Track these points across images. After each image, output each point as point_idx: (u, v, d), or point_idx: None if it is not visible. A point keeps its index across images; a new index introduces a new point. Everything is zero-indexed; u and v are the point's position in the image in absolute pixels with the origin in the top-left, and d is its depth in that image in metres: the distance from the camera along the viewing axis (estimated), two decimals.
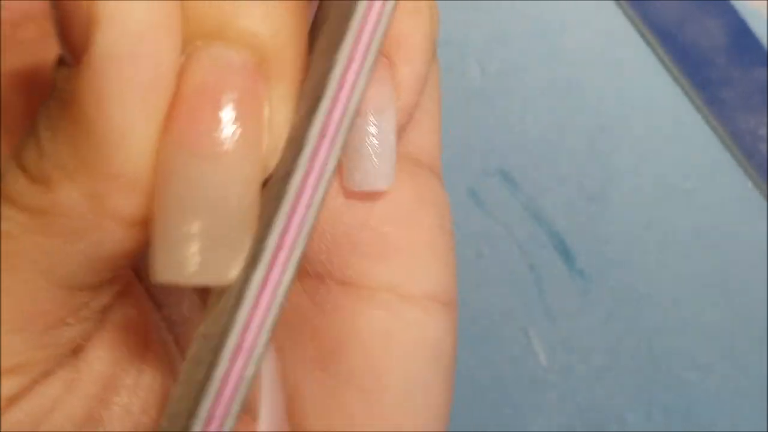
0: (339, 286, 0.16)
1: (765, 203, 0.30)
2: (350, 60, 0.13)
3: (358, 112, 0.14)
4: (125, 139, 0.12)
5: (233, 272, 0.12)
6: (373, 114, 0.15)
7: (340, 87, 0.13)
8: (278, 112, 0.13)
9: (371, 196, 0.16)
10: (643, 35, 0.31)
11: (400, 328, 0.16)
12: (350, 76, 0.13)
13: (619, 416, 0.29)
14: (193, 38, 0.12)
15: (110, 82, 0.12)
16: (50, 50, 0.14)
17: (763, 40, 0.31)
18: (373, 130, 0.15)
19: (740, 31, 0.31)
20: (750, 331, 0.30)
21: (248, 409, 0.14)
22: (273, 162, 0.13)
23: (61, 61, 0.13)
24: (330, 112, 0.13)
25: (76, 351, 0.15)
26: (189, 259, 0.12)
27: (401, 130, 0.16)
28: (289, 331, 0.16)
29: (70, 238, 0.12)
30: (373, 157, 0.15)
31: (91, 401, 0.15)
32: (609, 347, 0.30)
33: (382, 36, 0.13)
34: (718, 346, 0.30)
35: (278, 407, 0.15)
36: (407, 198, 0.16)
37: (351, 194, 0.15)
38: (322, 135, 0.13)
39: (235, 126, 0.12)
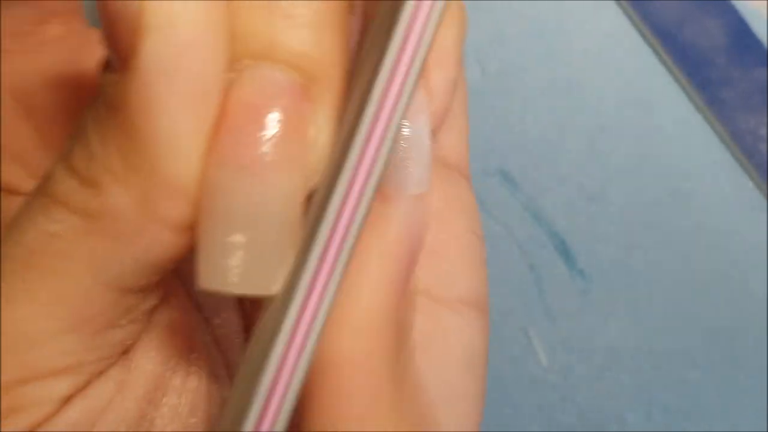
0: None
1: (765, 203, 0.30)
2: (393, 72, 0.13)
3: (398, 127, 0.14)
4: (172, 147, 0.12)
5: (275, 285, 0.13)
6: (408, 120, 0.15)
7: (382, 102, 0.13)
8: (322, 132, 0.13)
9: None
10: (643, 35, 0.31)
11: (436, 332, 0.16)
12: (394, 89, 0.13)
13: (619, 416, 0.29)
14: (241, 56, 0.12)
15: (157, 90, 0.12)
16: (77, 47, 0.14)
17: (764, 40, 0.31)
18: (407, 134, 0.15)
19: (740, 31, 0.31)
20: (750, 330, 0.30)
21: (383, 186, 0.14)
22: (316, 179, 0.13)
23: (107, 66, 0.13)
24: (371, 129, 0.13)
25: (126, 352, 0.15)
26: (232, 269, 0.12)
27: (434, 133, 0.16)
28: None
29: (119, 241, 0.13)
30: (408, 162, 0.15)
31: (141, 402, 0.15)
32: (609, 347, 0.30)
33: (429, 42, 0.13)
34: (718, 346, 0.30)
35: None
36: (440, 202, 0.16)
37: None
38: (362, 152, 0.13)
39: (279, 144, 0.12)
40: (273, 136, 0.12)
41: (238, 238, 0.12)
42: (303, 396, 0.13)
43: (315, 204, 0.13)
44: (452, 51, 0.16)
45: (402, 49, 0.12)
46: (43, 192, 0.13)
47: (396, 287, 0.14)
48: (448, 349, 0.16)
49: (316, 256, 0.13)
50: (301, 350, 0.13)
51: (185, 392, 0.16)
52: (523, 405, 0.29)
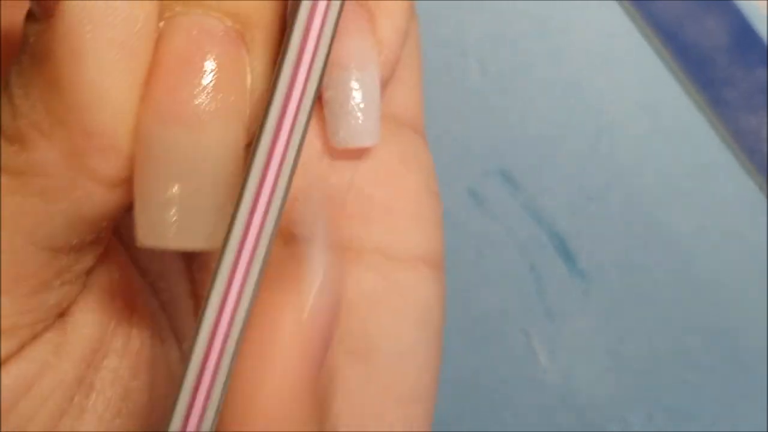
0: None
1: (766, 203, 0.30)
2: (312, 9, 0.12)
3: (336, 66, 0.14)
4: (101, 98, 0.12)
5: (214, 237, 0.12)
6: (356, 69, 0.15)
7: (304, 39, 0.12)
8: (259, 79, 0.13)
9: (357, 153, 0.15)
10: (644, 34, 0.31)
11: (389, 289, 0.16)
12: (315, 24, 0.12)
13: (620, 417, 0.29)
14: (172, 3, 0.12)
15: (83, 38, 0.11)
16: (21, 10, 0.14)
17: (766, 40, 0.31)
18: (356, 85, 0.15)
19: (742, 30, 0.31)
20: (751, 331, 0.30)
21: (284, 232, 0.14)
22: (253, 129, 0.13)
23: (31, 15, 0.12)
24: (296, 66, 0.12)
25: (62, 314, 0.15)
26: (170, 224, 0.12)
27: (384, 86, 0.16)
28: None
29: (49, 198, 0.12)
30: (358, 113, 0.15)
31: (80, 365, 0.15)
32: (609, 348, 0.30)
33: None
34: (719, 346, 0.30)
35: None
36: (392, 159, 0.16)
37: (336, 153, 0.15)
38: (288, 92, 0.12)
39: (214, 94, 0.12)
40: (208, 85, 0.12)
41: (174, 191, 0.12)
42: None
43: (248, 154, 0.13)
44: (402, 0, 0.15)
45: None
46: None
47: (310, 363, 0.13)
48: (403, 307, 0.16)
49: (246, 210, 0.12)
50: (229, 327, 0.12)
51: (126, 355, 0.15)
52: (522, 406, 0.29)
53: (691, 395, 0.30)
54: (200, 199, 0.12)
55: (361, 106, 0.15)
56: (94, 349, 0.15)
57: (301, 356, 0.13)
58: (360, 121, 0.15)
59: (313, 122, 0.15)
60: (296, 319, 0.13)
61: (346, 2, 0.13)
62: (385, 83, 0.16)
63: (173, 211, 0.12)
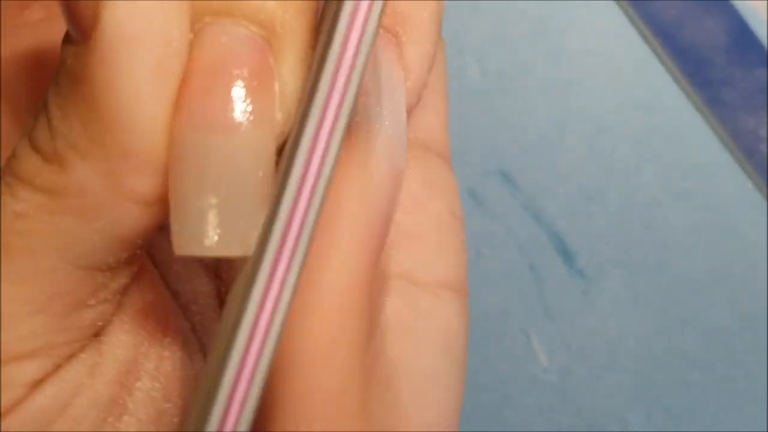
0: None
1: (765, 203, 0.30)
2: (350, 27, 0.12)
3: (364, 92, 0.14)
4: (137, 117, 0.12)
5: (249, 243, 0.12)
6: (383, 95, 0.15)
7: (342, 53, 0.12)
8: (288, 85, 0.13)
9: None
10: (643, 35, 0.31)
11: (414, 315, 0.16)
12: (352, 42, 0.13)
13: (620, 416, 0.29)
14: (201, 15, 0.12)
15: (120, 60, 0.12)
16: (59, 31, 0.14)
17: (764, 41, 0.31)
18: (383, 111, 0.15)
19: (741, 31, 0.31)
20: (750, 330, 0.30)
21: (354, 128, 0.14)
22: (284, 135, 0.13)
23: (68, 38, 0.13)
24: (333, 80, 0.12)
25: (97, 334, 0.15)
26: (207, 231, 0.12)
27: (410, 111, 0.16)
28: None
29: (86, 218, 0.12)
30: (385, 139, 0.15)
31: (114, 386, 0.15)
32: (609, 347, 0.30)
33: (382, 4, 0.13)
34: (719, 346, 0.30)
35: (400, 111, 0.15)
36: (416, 184, 0.16)
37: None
38: (326, 104, 0.13)
39: (246, 101, 0.12)
40: (238, 93, 0.12)
41: (210, 199, 0.12)
42: (267, 392, 0.13)
43: (283, 159, 0.13)
44: (428, 26, 0.15)
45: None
46: (8, 172, 0.13)
47: (368, 256, 0.13)
48: (427, 334, 0.16)
49: (284, 217, 0.12)
50: (268, 329, 0.12)
51: (159, 376, 0.15)
52: (522, 405, 0.29)
53: (690, 395, 0.29)
54: (234, 206, 0.12)
55: (389, 131, 0.15)
56: (127, 370, 0.15)
57: (359, 252, 0.13)
58: (387, 147, 0.15)
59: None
60: (362, 189, 0.13)
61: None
62: (411, 109, 0.16)
63: (208, 218, 0.12)
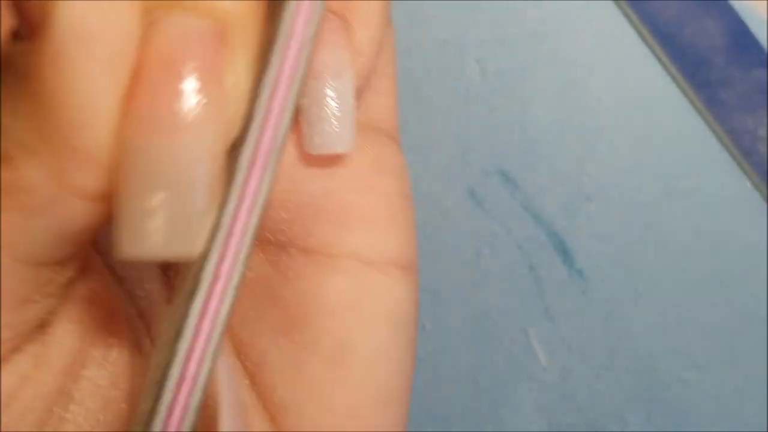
0: (302, 254, 0.16)
1: (763, 203, 0.30)
2: (294, 19, 0.13)
3: (312, 75, 0.14)
4: (87, 114, 0.12)
5: (198, 245, 0.12)
6: (331, 77, 0.15)
7: (289, 37, 0.13)
8: (241, 80, 0.13)
9: (332, 160, 0.16)
10: (642, 35, 0.31)
11: (364, 294, 0.16)
12: (297, 33, 0.13)
13: (619, 416, 0.29)
14: (154, 8, 0.12)
15: (71, 57, 0.11)
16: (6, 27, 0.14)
17: (762, 41, 0.31)
18: (331, 93, 0.15)
19: (739, 31, 0.31)
20: (749, 330, 0.30)
21: (206, 415, 0.14)
22: (235, 131, 0.13)
23: (17, 34, 0.12)
24: (279, 72, 0.13)
25: (42, 326, 0.15)
26: (152, 233, 0.12)
27: (359, 94, 0.16)
28: (253, 300, 0.16)
29: (32, 214, 0.12)
30: (333, 120, 0.15)
31: (60, 376, 0.15)
32: (608, 347, 0.30)
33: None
34: (718, 345, 0.30)
35: (238, 405, 0.15)
36: (367, 165, 0.16)
37: (312, 160, 0.16)
38: (271, 101, 0.13)
39: (196, 97, 0.12)
40: (189, 88, 0.12)
41: (157, 199, 0.12)
42: None
43: (229, 159, 0.13)
44: (377, 10, 0.16)
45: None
46: None
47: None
48: (376, 311, 0.16)
49: (229, 215, 0.12)
50: (212, 328, 0.12)
51: (106, 364, 0.15)
52: (522, 404, 0.29)
53: (689, 395, 0.30)
54: (181, 207, 0.12)
55: (336, 113, 0.15)
56: (74, 360, 0.15)
57: None
58: (335, 129, 0.15)
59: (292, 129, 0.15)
60: None
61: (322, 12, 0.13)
62: (360, 92, 0.16)
63: (156, 219, 0.12)
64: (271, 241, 0.16)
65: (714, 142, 0.31)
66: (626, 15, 0.31)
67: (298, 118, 0.15)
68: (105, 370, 0.15)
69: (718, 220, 0.30)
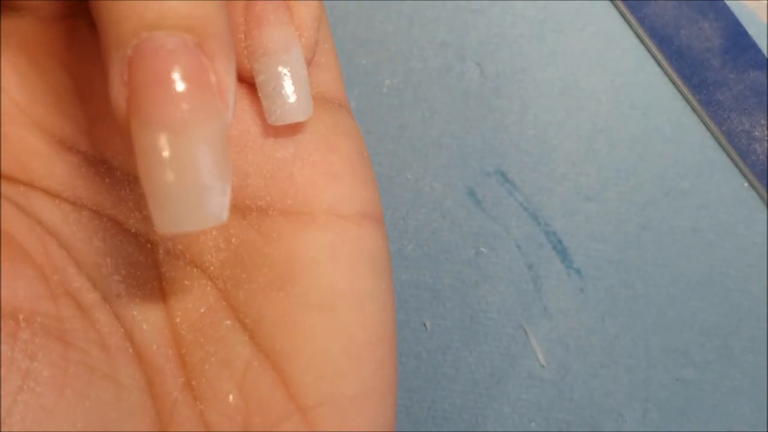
0: (281, 216, 0.17)
1: (760, 203, 0.30)
2: None
3: (264, 53, 0.16)
4: None
5: (223, 215, 0.14)
6: (282, 53, 0.17)
7: None
8: (225, 77, 0.14)
9: (295, 128, 0.17)
10: (639, 37, 0.31)
11: (343, 244, 0.17)
12: None
13: (617, 414, 0.29)
14: (138, 31, 0.14)
15: None
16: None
17: (759, 43, 0.31)
18: (284, 68, 0.17)
19: (736, 33, 0.31)
20: (746, 329, 0.30)
21: None
22: (229, 117, 0.15)
23: None
24: None
25: None
26: (173, 211, 0.14)
27: (308, 64, 0.17)
28: (241, 264, 0.18)
29: None
30: (289, 92, 0.17)
31: None
32: (606, 345, 0.30)
33: None
34: (715, 344, 0.30)
35: None
36: (326, 129, 0.18)
37: (277, 130, 0.17)
38: None
39: (189, 98, 0.14)
40: (181, 92, 0.14)
41: (172, 184, 0.14)
42: None
43: None
44: None
45: None
46: None
47: None
48: (357, 259, 0.17)
49: None
50: None
51: None
52: (520, 401, 0.29)
53: (686, 393, 0.30)
54: (196, 187, 0.14)
55: (292, 85, 0.17)
56: None
57: None
58: (293, 99, 0.17)
59: (251, 106, 0.17)
60: None
61: None
62: (308, 62, 0.17)
63: (175, 200, 0.14)
64: (252, 208, 0.17)
65: (711, 143, 0.31)
66: (624, 17, 0.31)
67: (257, 94, 0.17)
68: None
69: (716, 220, 0.30)
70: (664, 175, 0.31)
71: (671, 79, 0.31)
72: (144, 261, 0.18)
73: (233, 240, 0.18)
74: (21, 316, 0.16)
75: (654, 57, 0.31)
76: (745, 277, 0.30)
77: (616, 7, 0.32)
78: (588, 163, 0.31)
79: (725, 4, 0.31)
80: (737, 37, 0.31)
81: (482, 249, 0.30)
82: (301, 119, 0.17)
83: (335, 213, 0.17)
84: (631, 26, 0.31)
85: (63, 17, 0.18)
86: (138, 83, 0.14)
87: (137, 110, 0.14)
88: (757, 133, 0.30)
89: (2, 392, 0.15)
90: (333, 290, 0.17)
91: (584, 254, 0.30)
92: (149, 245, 0.18)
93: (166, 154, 0.14)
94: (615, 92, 0.31)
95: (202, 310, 0.18)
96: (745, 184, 0.31)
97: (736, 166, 0.31)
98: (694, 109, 0.31)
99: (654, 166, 0.31)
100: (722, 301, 0.30)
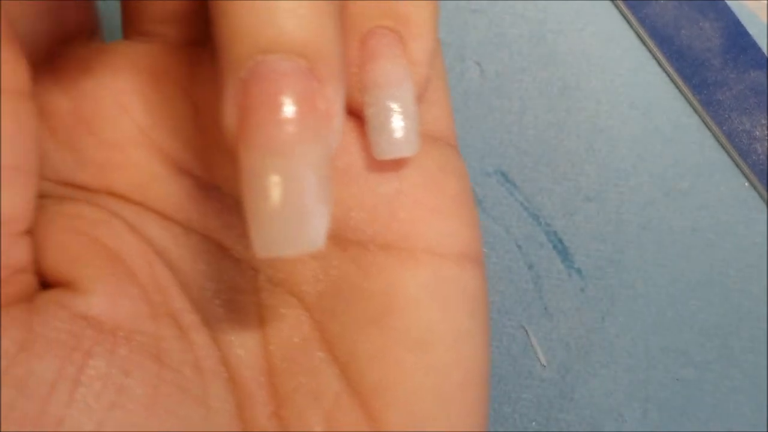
0: (381, 250, 0.17)
1: (761, 203, 0.30)
2: None
3: (375, 85, 0.16)
4: None
5: (316, 243, 0.14)
6: (393, 87, 0.16)
7: None
8: (333, 104, 0.14)
9: (400, 164, 0.17)
10: (640, 37, 0.31)
11: (442, 283, 0.17)
12: None
13: (617, 413, 0.29)
14: (253, 53, 0.14)
15: None
16: None
17: (759, 43, 0.31)
18: (393, 101, 0.16)
19: (737, 33, 0.31)
20: (747, 329, 0.30)
21: None
22: (336, 143, 0.15)
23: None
24: None
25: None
26: (275, 235, 0.14)
27: (419, 100, 0.17)
28: (339, 297, 0.17)
29: None
30: (397, 126, 0.16)
31: None
32: (606, 345, 0.30)
33: None
34: (715, 344, 0.30)
35: None
36: (433, 167, 0.18)
37: (383, 165, 0.17)
38: None
39: (299, 123, 0.14)
40: (290, 115, 0.14)
41: (276, 208, 0.14)
42: None
43: None
44: (429, 23, 0.17)
45: None
46: None
47: None
48: (455, 300, 0.17)
49: None
50: None
51: None
52: (520, 401, 0.29)
53: (686, 393, 0.30)
54: (298, 211, 0.14)
55: (400, 119, 0.16)
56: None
57: None
58: (400, 134, 0.16)
59: (359, 139, 0.17)
60: None
61: (380, 29, 0.16)
62: (419, 98, 0.17)
63: (280, 225, 0.14)
64: (353, 241, 0.17)
65: (711, 143, 0.31)
66: (624, 17, 0.31)
67: (364, 126, 0.17)
68: None
69: (716, 220, 0.30)
70: (664, 175, 0.31)
71: (672, 79, 0.31)
72: (245, 287, 0.18)
73: (332, 272, 0.17)
74: (121, 334, 0.16)
75: (654, 57, 0.31)
76: (745, 277, 0.30)
77: (617, 7, 0.32)
78: (588, 163, 0.31)
79: (726, 4, 0.31)
80: (738, 37, 0.31)
81: (483, 249, 0.30)
82: (406, 154, 0.17)
83: (436, 252, 0.17)
84: (631, 26, 0.31)
85: (187, 44, 0.18)
86: (248, 105, 0.14)
87: (245, 132, 0.14)
88: (757, 133, 0.30)
89: (95, 406, 0.15)
90: (429, 330, 0.17)
91: (585, 254, 0.30)
92: (251, 272, 0.18)
93: (270, 176, 0.14)
94: (615, 92, 0.31)
95: (296, 340, 0.18)
96: (746, 184, 0.30)
97: (737, 166, 0.31)
98: (694, 109, 0.31)
99: (654, 166, 0.31)
100: (722, 301, 0.30)
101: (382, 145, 0.17)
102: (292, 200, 0.14)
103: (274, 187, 0.14)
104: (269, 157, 0.14)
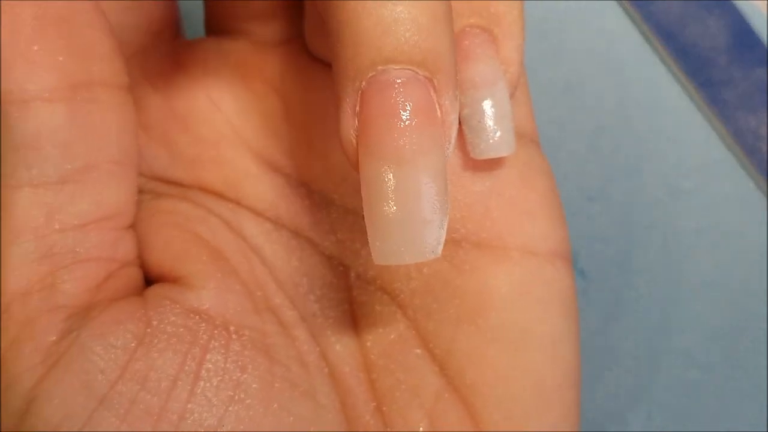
0: (475, 248, 0.17)
1: (766, 202, 0.30)
2: None
3: (470, 86, 0.16)
4: None
5: (439, 248, 0.14)
6: (488, 87, 0.17)
7: None
8: (449, 113, 0.14)
9: (494, 163, 0.17)
10: (644, 35, 0.31)
11: (536, 282, 0.17)
12: None
13: (620, 416, 0.29)
14: (373, 64, 0.14)
15: None
16: None
17: (765, 40, 0.31)
18: (489, 102, 0.17)
19: (742, 30, 0.31)
20: (751, 330, 0.30)
21: None
22: (451, 150, 0.15)
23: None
24: None
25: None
26: (392, 243, 0.14)
27: (512, 98, 0.17)
28: (432, 294, 0.17)
29: None
30: (494, 126, 0.17)
31: None
32: (609, 347, 0.30)
33: None
34: (719, 345, 0.30)
35: None
36: (521, 165, 0.18)
37: (476, 164, 0.17)
38: None
39: (417, 131, 0.14)
40: (409, 124, 0.14)
41: (394, 215, 0.14)
42: None
43: None
44: (519, 21, 0.17)
45: None
46: None
47: None
48: (549, 299, 0.17)
49: None
50: None
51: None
52: None
53: (690, 395, 0.30)
54: (417, 220, 0.14)
55: (497, 119, 0.17)
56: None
57: None
58: (498, 134, 0.17)
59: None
60: None
61: (472, 28, 0.17)
62: (512, 96, 0.17)
63: (398, 233, 0.14)
64: (446, 239, 0.17)
65: (716, 142, 0.31)
66: (629, 14, 0.31)
67: (461, 127, 0.17)
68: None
69: (721, 220, 0.30)
70: (668, 174, 0.30)
71: (676, 77, 0.31)
72: (337, 283, 0.18)
73: (425, 270, 0.17)
74: (232, 328, 0.16)
75: (659, 55, 0.31)
76: (750, 277, 0.30)
77: (621, 5, 0.31)
78: (591, 162, 0.30)
79: (731, 2, 0.31)
80: (743, 35, 0.31)
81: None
82: (504, 154, 0.17)
83: (529, 250, 0.17)
84: (635, 24, 0.31)
85: (276, 43, 0.18)
86: (368, 115, 0.14)
87: (365, 142, 0.14)
88: (762, 132, 0.30)
89: (215, 401, 0.15)
90: (523, 329, 0.17)
91: (588, 255, 0.30)
92: (341, 268, 0.18)
93: (390, 185, 0.14)
94: (619, 90, 0.31)
95: (392, 337, 0.18)
96: (751, 184, 0.30)
97: (742, 165, 0.30)
98: (699, 108, 0.31)
99: (658, 166, 0.31)
100: (727, 302, 0.30)
101: (480, 146, 0.17)
102: (412, 209, 0.14)
103: (394, 197, 0.14)
104: (389, 166, 0.14)
